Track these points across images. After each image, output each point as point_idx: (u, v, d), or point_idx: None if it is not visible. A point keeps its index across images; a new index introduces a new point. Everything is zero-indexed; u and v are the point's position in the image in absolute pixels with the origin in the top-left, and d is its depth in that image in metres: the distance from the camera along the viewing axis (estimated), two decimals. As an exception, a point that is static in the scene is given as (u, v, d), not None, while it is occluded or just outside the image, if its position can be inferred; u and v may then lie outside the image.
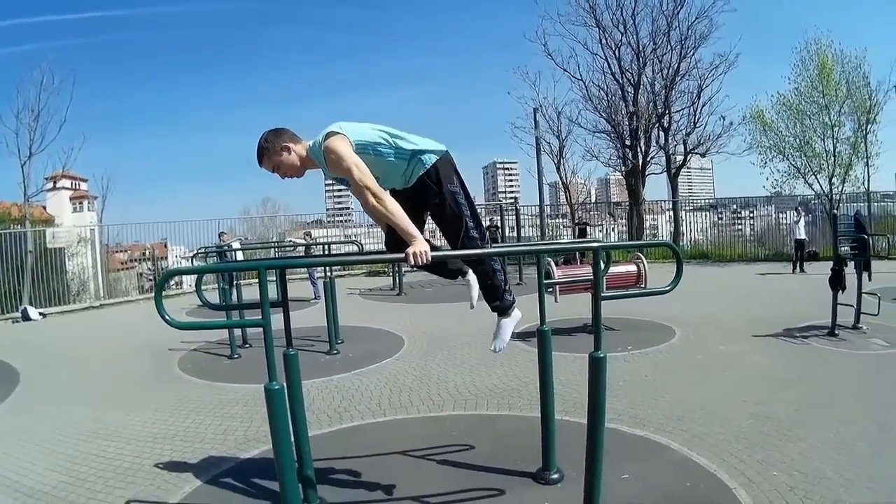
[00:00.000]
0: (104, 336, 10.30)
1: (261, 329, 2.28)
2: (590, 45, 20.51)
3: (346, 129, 2.66)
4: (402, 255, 2.54)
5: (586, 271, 7.77)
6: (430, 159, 2.81)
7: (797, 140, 19.17)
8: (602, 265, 3.64)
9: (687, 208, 23.53)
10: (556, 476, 3.56)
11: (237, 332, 7.74)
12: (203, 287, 4.55)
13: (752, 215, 23.82)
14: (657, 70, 20.12)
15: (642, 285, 8.03)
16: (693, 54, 19.82)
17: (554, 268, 7.71)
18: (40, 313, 13.17)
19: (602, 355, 2.72)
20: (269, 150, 2.74)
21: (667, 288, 2.94)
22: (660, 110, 20.08)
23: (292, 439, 2.48)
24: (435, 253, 2.61)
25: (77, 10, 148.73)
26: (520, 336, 7.93)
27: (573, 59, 20.73)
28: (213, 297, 12.62)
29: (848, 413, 4.58)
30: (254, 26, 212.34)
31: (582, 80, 20.64)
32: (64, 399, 6.02)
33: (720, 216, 24.01)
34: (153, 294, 14.21)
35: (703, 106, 20.10)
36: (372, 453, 4.01)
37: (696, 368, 6.09)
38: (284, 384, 2.51)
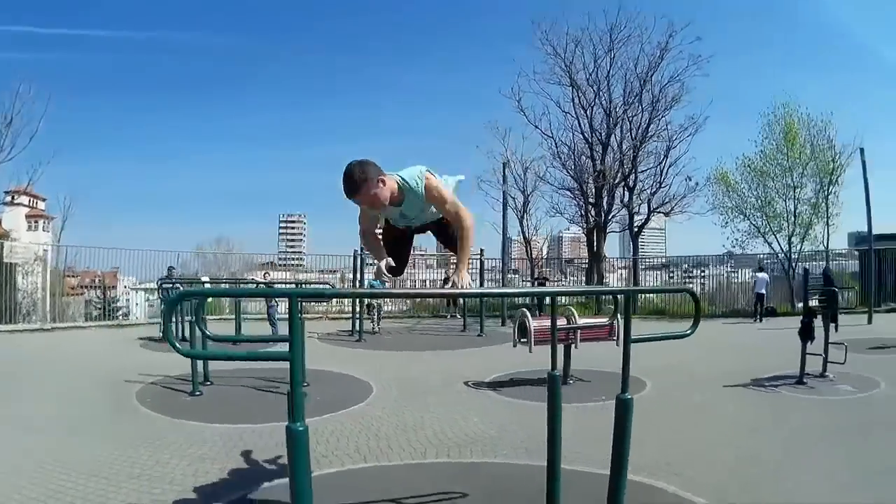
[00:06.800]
0: (57, 361, 9.81)
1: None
2: (562, 105, 21.26)
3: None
4: (453, 284, 2.85)
5: (562, 323, 7.82)
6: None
7: (759, 201, 20.10)
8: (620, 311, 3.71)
9: (640, 267, 24.04)
10: (560, 526, 3.46)
11: (199, 367, 7.39)
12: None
13: (703, 274, 24.56)
14: (626, 130, 20.84)
15: (615, 337, 7.95)
16: (664, 116, 20.67)
17: (530, 318, 7.68)
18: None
19: (629, 397, 2.85)
20: (368, 183, 2.67)
21: (688, 332, 3.08)
22: (626, 170, 20.69)
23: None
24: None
25: (61, 26, 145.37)
26: (490, 385, 7.88)
27: (545, 117, 21.40)
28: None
29: (828, 453, 4.82)
30: (244, 64, 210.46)
31: (553, 137, 21.26)
32: (15, 425, 5.61)
33: (671, 275, 24.65)
34: (104, 321, 13.91)
35: (670, 167, 20.86)
36: (363, 501, 3.80)
37: (674, 417, 6.15)
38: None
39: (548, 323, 8.28)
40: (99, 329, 13.65)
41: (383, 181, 2.72)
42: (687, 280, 25.43)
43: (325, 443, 5.23)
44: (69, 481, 4.09)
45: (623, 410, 2.85)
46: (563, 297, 17.62)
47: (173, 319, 10.22)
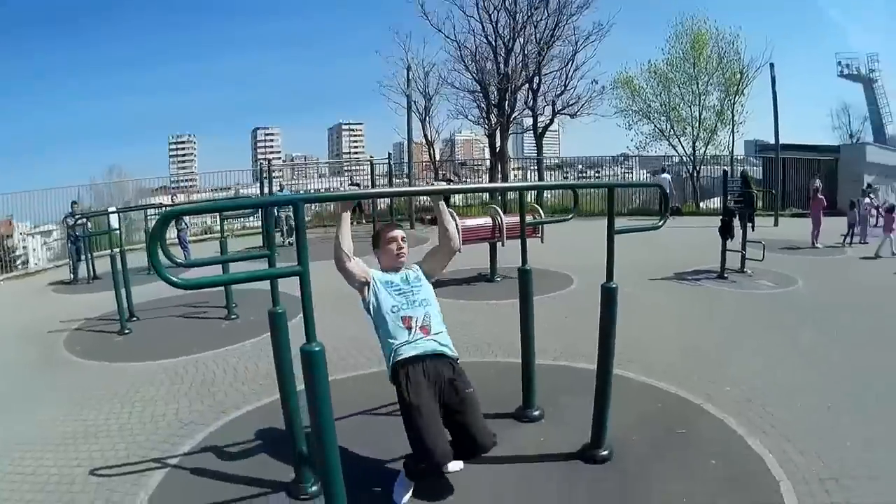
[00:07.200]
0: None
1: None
2: (466, 9, 20.37)
3: None
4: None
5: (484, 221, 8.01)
6: None
7: (663, 106, 20.92)
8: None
9: (532, 168, 24.55)
10: (537, 413, 3.69)
11: (124, 303, 7.03)
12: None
13: (598, 175, 25.50)
14: (531, 33, 20.37)
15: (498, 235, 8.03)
16: (570, 21, 20.26)
17: (457, 218, 7.67)
18: None
19: (614, 286, 3.11)
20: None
21: (659, 224, 3.32)
22: (530, 72, 20.50)
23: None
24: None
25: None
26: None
27: (449, 21, 20.74)
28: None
29: (761, 341, 5.37)
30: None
31: (456, 41, 20.52)
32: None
33: (566, 175, 25.44)
34: (9, 273, 12.55)
35: (576, 70, 20.80)
36: (341, 416, 3.78)
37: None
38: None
39: (475, 222, 8.49)
40: (6, 282, 12.46)
41: None
42: (581, 180, 26.30)
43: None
44: (25, 459, 3.64)
45: (608, 296, 3.09)
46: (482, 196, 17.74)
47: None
